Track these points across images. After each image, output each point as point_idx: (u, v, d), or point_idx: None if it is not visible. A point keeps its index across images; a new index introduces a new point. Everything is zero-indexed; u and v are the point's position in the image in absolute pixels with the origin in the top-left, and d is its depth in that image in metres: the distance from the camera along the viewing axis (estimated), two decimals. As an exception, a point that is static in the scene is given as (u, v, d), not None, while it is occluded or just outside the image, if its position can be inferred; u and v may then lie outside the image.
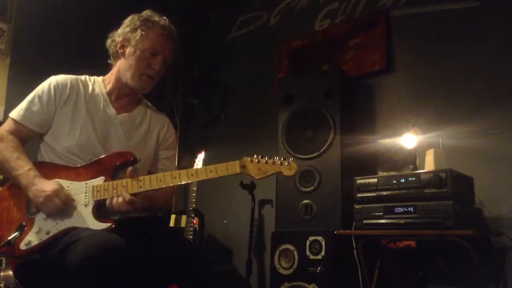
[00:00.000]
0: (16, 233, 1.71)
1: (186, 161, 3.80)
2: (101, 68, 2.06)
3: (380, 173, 2.60)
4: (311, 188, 2.87)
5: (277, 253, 2.84)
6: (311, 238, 2.72)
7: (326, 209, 2.79)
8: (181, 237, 2.95)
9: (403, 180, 2.41)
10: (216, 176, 1.69)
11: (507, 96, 2.68)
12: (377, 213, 2.43)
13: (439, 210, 2.24)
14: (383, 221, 2.41)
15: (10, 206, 1.79)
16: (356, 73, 3.30)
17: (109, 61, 2.03)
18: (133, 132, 1.98)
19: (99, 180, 1.78)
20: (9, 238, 1.69)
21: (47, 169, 1.81)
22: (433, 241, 2.56)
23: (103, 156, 1.84)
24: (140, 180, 1.74)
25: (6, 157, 1.79)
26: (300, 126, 3.01)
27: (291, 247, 2.79)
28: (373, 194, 2.48)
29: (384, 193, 2.45)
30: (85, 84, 1.97)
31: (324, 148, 2.88)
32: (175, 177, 1.73)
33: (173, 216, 3.51)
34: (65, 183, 1.78)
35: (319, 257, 2.67)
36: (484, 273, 2.42)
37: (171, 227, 3.43)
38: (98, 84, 2.00)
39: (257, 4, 4.11)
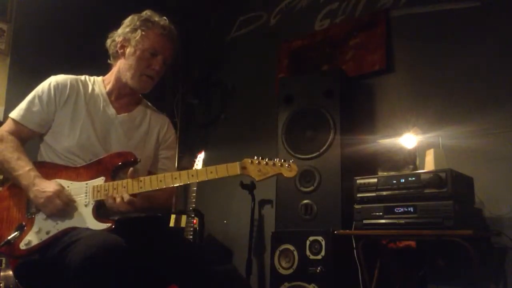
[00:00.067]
0: (16, 233, 1.71)
1: (186, 161, 3.80)
2: (101, 68, 2.06)
3: (380, 173, 2.60)
4: (311, 188, 2.87)
5: (277, 253, 2.84)
6: (311, 238, 2.72)
7: (326, 209, 2.79)
8: (181, 237, 2.95)
9: (403, 180, 2.41)
10: (217, 177, 1.70)
11: (507, 96, 2.68)
12: (377, 213, 2.43)
13: (439, 210, 2.24)
14: (383, 221, 2.41)
15: (10, 206, 1.79)
16: (356, 73, 3.30)
17: (109, 61, 2.04)
18: (133, 132, 1.98)
19: (100, 181, 1.78)
20: (9, 237, 1.69)
21: (47, 169, 1.81)
22: (433, 241, 2.56)
23: (103, 156, 1.84)
24: (141, 181, 1.74)
25: (7, 157, 1.79)
26: (300, 126, 3.01)
27: (291, 247, 2.79)
28: (373, 194, 2.48)
29: (384, 193, 2.45)
30: (85, 84, 1.97)
31: (324, 148, 2.88)
32: (175, 178, 1.73)
33: (173, 216, 3.51)
34: (65, 183, 1.78)
35: (319, 257, 2.67)
36: (484, 273, 2.42)
37: (171, 227, 3.43)
38: (98, 84, 2.00)
39: (257, 4, 4.11)
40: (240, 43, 4.19)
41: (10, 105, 2.23)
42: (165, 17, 1.98)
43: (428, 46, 3.04)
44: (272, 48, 3.87)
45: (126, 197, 1.70)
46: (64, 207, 1.71)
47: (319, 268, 2.66)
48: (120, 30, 1.98)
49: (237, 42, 4.21)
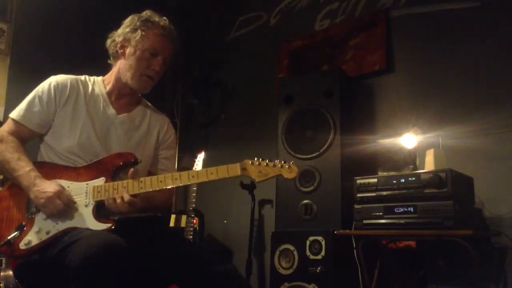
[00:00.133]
0: (16, 232, 1.71)
1: (186, 161, 3.80)
2: (101, 68, 2.06)
3: (380, 173, 2.60)
4: (311, 188, 2.87)
5: (277, 253, 2.84)
6: (311, 238, 2.72)
7: (326, 209, 2.79)
8: (181, 237, 2.95)
9: (403, 180, 2.41)
10: (217, 178, 1.70)
11: (507, 96, 2.68)
12: (377, 213, 2.43)
13: (439, 210, 2.24)
14: (383, 221, 2.41)
15: (10, 206, 1.79)
16: (356, 73, 3.30)
17: (109, 61, 2.04)
18: (133, 132, 1.98)
19: (100, 181, 1.78)
20: (9, 237, 1.69)
21: (47, 169, 1.81)
22: (433, 241, 2.56)
23: (103, 156, 1.84)
24: (141, 181, 1.74)
25: (7, 158, 1.79)
26: (300, 126, 3.01)
27: (291, 247, 2.79)
28: (373, 194, 2.48)
29: (384, 193, 2.45)
30: (85, 84, 1.97)
31: (324, 148, 2.88)
32: (175, 179, 1.73)
33: (173, 216, 3.51)
34: (65, 183, 1.78)
35: (319, 257, 2.67)
36: (484, 273, 2.42)
37: (171, 227, 3.43)
38: (98, 84, 2.00)
39: (257, 4, 4.11)
40: (240, 43, 4.19)
41: (10, 105, 2.23)
42: (165, 17, 1.98)
43: (428, 46, 3.04)
44: (272, 48, 3.87)
45: (127, 197, 1.70)
46: (64, 207, 1.71)
47: (319, 268, 2.66)
48: (120, 30, 1.98)
49: (237, 42, 4.21)
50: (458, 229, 2.18)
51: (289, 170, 1.71)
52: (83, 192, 1.77)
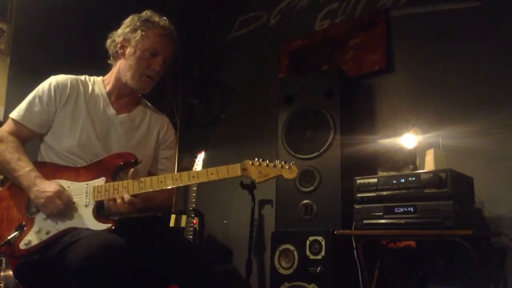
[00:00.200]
0: (16, 232, 1.71)
1: (186, 161, 3.80)
2: (101, 68, 2.06)
3: (380, 173, 2.60)
4: (311, 188, 2.87)
5: (277, 253, 2.84)
6: (311, 238, 2.72)
7: (326, 209, 2.79)
8: (181, 237, 2.95)
9: (403, 180, 2.41)
10: (217, 178, 1.70)
11: (507, 96, 2.68)
12: (377, 213, 2.44)
13: (439, 210, 2.24)
14: (383, 221, 2.41)
15: (10, 205, 1.79)
16: (356, 73, 3.30)
17: (109, 61, 2.04)
18: (133, 132, 1.98)
19: (100, 181, 1.78)
20: (9, 237, 1.69)
21: (47, 170, 1.81)
22: (433, 241, 2.56)
23: (103, 157, 1.84)
24: (141, 182, 1.74)
25: (7, 158, 1.79)
26: (300, 126, 3.01)
27: (291, 247, 2.79)
28: (373, 194, 2.48)
29: (384, 193, 2.45)
30: (85, 84, 1.97)
31: (324, 148, 2.88)
32: (176, 179, 1.73)
33: (173, 216, 3.51)
34: (65, 183, 1.78)
35: (319, 257, 2.67)
36: (484, 273, 2.42)
37: (171, 227, 3.44)
38: (98, 84, 2.00)
39: (257, 4, 4.11)
40: (240, 43, 4.19)
41: (10, 105, 2.23)
42: (165, 17, 1.97)
43: (428, 46, 3.04)
44: (272, 48, 3.87)
45: (127, 197, 1.70)
46: (64, 207, 1.71)
47: (319, 268, 2.66)
48: (120, 30, 1.98)
49: (237, 42, 4.21)
50: (458, 229, 2.18)
51: (289, 170, 1.71)
52: (83, 192, 1.77)
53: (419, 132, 2.70)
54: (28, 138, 1.91)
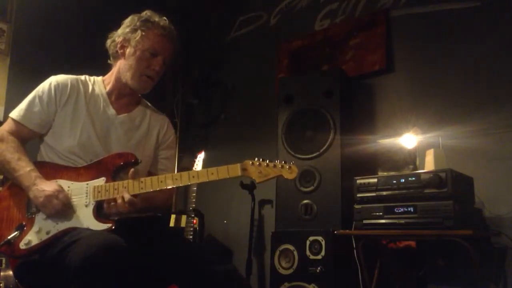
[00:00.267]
0: (16, 232, 1.71)
1: (186, 161, 3.80)
2: (101, 68, 2.06)
3: (380, 173, 2.60)
4: (311, 188, 2.87)
5: (277, 253, 2.84)
6: (311, 238, 2.72)
7: (326, 209, 2.79)
8: (181, 237, 2.95)
9: (403, 180, 2.41)
10: (217, 178, 1.70)
11: (507, 96, 2.68)
12: (377, 213, 2.43)
13: (439, 210, 2.24)
14: (383, 221, 2.41)
15: (10, 205, 1.79)
16: (356, 73, 3.30)
17: (109, 61, 2.04)
18: (133, 132, 1.98)
19: (100, 181, 1.78)
20: (9, 237, 1.69)
21: (47, 170, 1.81)
22: (433, 241, 2.56)
23: (104, 156, 1.84)
24: (142, 181, 1.74)
25: (7, 158, 1.79)
26: (300, 126, 3.01)
27: (291, 247, 2.79)
28: (373, 194, 2.48)
29: (384, 193, 2.45)
30: (85, 84, 1.97)
31: (324, 148, 2.88)
32: (176, 179, 1.73)
33: (173, 216, 3.51)
34: (65, 183, 1.78)
35: (319, 257, 2.67)
36: (484, 273, 2.42)
37: (171, 227, 3.43)
38: (98, 84, 2.00)
39: (257, 4, 4.11)
40: (240, 43, 4.19)
41: (10, 105, 2.23)
42: (165, 17, 1.97)
43: (428, 46, 3.04)
44: (272, 48, 3.87)
45: (127, 197, 1.70)
46: (62, 207, 1.71)
47: (319, 268, 2.66)
48: (120, 31, 1.98)
49: (237, 42, 4.21)
50: (458, 229, 2.18)
51: (289, 170, 1.71)
52: (83, 192, 1.77)
53: (419, 132, 2.70)
54: (28, 138, 1.91)
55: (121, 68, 1.95)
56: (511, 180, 2.58)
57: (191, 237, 3.38)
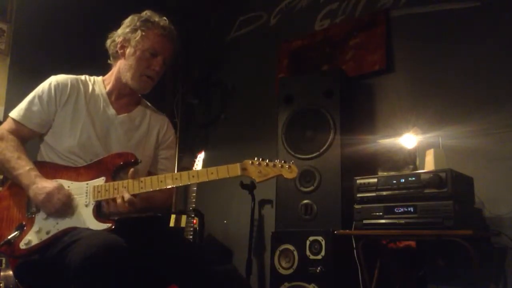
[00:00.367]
0: (16, 232, 1.71)
1: (186, 161, 3.80)
2: (101, 68, 2.06)
3: (380, 173, 2.60)
4: (311, 188, 2.87)
5: (277, 253, 2.84)
6: (311, 238, 2.72)
7: (326, 209, 2.79)
8: (181, 237, 2.95)
9: (403, 180, 2.41)
10: (217, 178, 1.70)
11: (507, 96, 2.68)
12: (377, 213, 2.43)
13: (439, 210, 2.24)
14: (383, 221, 2.41)
15: (10, 205, 1.79)
16: (356, 73, 3.30)
17: (109, 61, 2.04)
18: (133, 132, 1.98)
19: (100, 181, 1.78)
20: (9, 237, 1.69)
21: (47, 169, 1.81)
22: (433, 241, 2.56)
23: (103, 156, 1.84)
24: (141, 181, 1.74)
25: (7, 157, 1.79)
26: (300, 126, 3.02)
27: (291, 247, 2.79)
28: (373, 194, 2.48)
29: (384, 193, 2.45)
30: (85, 84, 1.97)
31: (324, 148, 2.88)
32: (176, 179, 1.73)
33: (173, 216, 3.51)
34: (65, 183, 1.78)
35: (319, 257, 2.67)
36: (484, 273, 2.42)
37: (171, 227, 3.43)
38: (98, 84, 2.00)
39: (257, 4, 4.11)
40: (240, 43, 4.19)
41: (10, 105, 2.22)
42: (165, 17, 1.97)
43: (428, 46, 3.04)
44: (272, 48, 3.87)
45: (127, 196, 1.70)
46: (64, 203, 1.71)
47: (319, 268, 2.66)
48: (120, 31, 1.98)
49: (237, 42, 4.21)
50: (458, 229, 2.18)
51: (289, 170, 1.71)
52: (83, 192, 1.77)
53: (419, 132, 2.70)
54: (28, 138, 1.91)
55: (121, 68, 1.95)
56: (511, 180, 2.58)
57: (191, 237, 3.38)
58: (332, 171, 2.83)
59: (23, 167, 1.77)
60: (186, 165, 3.70)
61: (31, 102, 1.88)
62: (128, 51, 1.93)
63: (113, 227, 1.69)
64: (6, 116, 2.15)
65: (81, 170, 1.82)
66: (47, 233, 1.70)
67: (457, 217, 2.20)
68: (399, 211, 2.37)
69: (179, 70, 4.31)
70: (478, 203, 2.55)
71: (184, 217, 3.47)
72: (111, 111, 1.96)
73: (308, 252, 2.72)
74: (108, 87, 1.99)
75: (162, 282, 1.86)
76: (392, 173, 2.55)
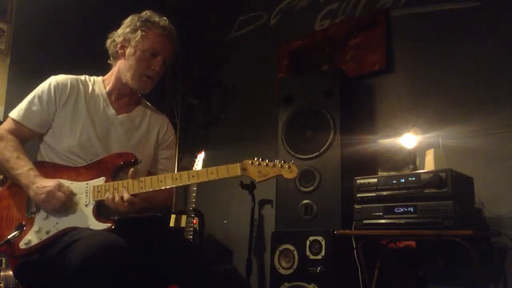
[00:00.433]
0: (16, 232, 1.71)
1: (186, 161, 3.80)
2: (101, 68, 2.06)
3: (380, 173, 2.60)
4: (311, 188, 2.87)
5: (277, 253, 2.84)
6: (311, 238, 2.72)
7: (326, 209, 2.79)
8: (181, 237, 2.95)
9: (403, 180, 2.41)
10: (217, 178, 1.70)
11: (507, 96, 2.68)
12: (377, 213, 2.43)
13: (439, 210, 2.24)
14: (383, 221, 2.41)
15: (10, 205, 1.79)
16: (356, 73, 3.30)
17: (109, 61, 2.04)
18: (133, 132, 1.99)
19: (100, 181, 1.78)
20: (9, 237, 1.69)
21: (47, 169, 1.81)
22: (433, 241, 2.56)
23: (103, 156, 1.84)
24: (141, 181, 1.74)
25: (6, 156, 1.79)
26: (300, 126, 3.01)
27: (291, 247, 2.79)
28: (373, 194, 2.48)
29: (384, 193, 2.45)
30: (85, 84, 1.97)
31: (324, 148, 2.88)
32: (176, 179, 1.73)
33: (173, 216, 3.51)
34: (65, 183, 1.78)
35: (319, 257, 2.67)
36: (484, 273, 2.42)
37: (171, 227, 3.43)
38: (98, 84, 2.00)
39: (257, 4, 4.11)
40: (240, 43, 4.19)
41: (10, 105, 2.22)
42: (165, 17, 1.98)
43: (428, 46, 3.04)
44: (272, 48, 3.87)
45: (126, 196, 1.70)
46: (66, 199, 1.71)
47: (319, 268, 2.66)
48: (120, 31, 1.98)
49: (237, 42, 4.21)
50: (458, 229, 2.18)
51: (289, 170, 1.71)
52: (83, 192, 1.77)
53: (419, 132, 2.70)
54: (28, 138, 1.91)
55: (121, 68, 1.95)
56: (511, 180, 2.58)
57: (191, 237, 3.38)
58: (332, 171, 2.83)
59: (23, 167, 1.77)
60: (186, 165, 3.70)
61: (31, 102, 1.88)
62: (128, 51, 1.93)
63: (113, 227, 1.69)
64: (6, 116, 2.15)
65: (81, 170, 1.82)
66: (47, 233, 1.70)
67: (457, 217, 2.20)
68: (399, 211, 2.37)
69: (179, 70, 4.31)
70: (478, 203, 2.55)
71: (184, 217, 3.47)
72: (111, 111, 1.96)
73: (308, 252, 2.72)
74: (108, 87, 1.99)
75: (162, 282, 1.87)
76: (392, 173, 2.55)
